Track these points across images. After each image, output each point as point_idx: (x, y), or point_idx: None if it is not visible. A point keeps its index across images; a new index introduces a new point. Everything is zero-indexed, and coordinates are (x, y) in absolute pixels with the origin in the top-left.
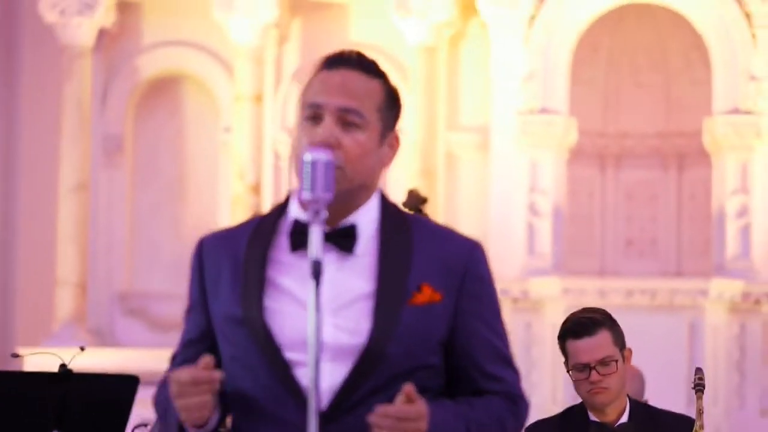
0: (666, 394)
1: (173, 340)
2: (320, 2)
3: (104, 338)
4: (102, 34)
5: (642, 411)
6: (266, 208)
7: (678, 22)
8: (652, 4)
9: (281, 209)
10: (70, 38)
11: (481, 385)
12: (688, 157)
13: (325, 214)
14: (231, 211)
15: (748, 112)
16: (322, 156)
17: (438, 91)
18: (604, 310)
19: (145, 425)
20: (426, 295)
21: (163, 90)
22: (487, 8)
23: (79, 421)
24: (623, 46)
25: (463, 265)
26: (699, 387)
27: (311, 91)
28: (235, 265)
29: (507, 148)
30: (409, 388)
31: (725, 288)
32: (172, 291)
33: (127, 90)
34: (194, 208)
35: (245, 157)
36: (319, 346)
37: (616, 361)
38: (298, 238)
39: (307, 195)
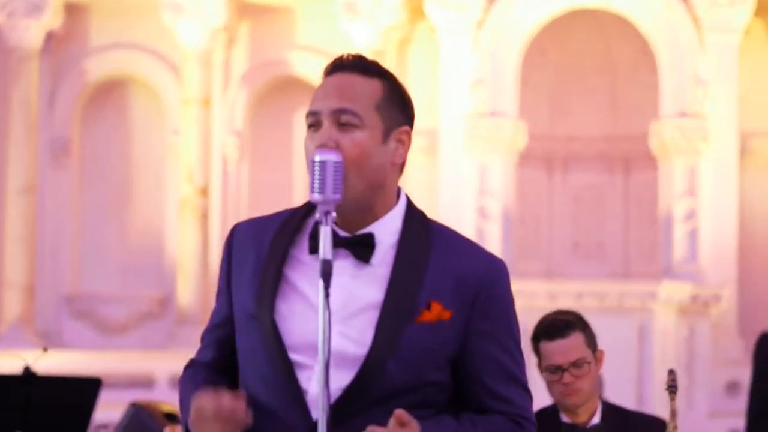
0: (616, 396)
1: (121, 342)
2: (268, 6)
3: (51, 340)
4: (50, 36)
5: (614, 412)
6: (214, 211)
7: (625, 27)
8: (600, 10)
9: (310, 207)
10: (17, 40)
11: (487, 405)
12: (634, 160)
13: (334, 215)
14: (179, 213)
15: (695, 116)
16: (332, 157)
17: None
18: (576, 313)
19: (105, 426)
20: (435, 313)
21: (111, 93)
22: (435, 13)
23: (42, 422)
24: (571, 51)
25: (477, 282)
26: (672, 388)
27: (312, 102)
28: (259, 257)
29: (456, 151)
30: (400, 412)
31: (674, 291)
32: (119, 293)
33: (75, 92)
34: (141, 210)
35: (193, 160)
36: (327, 348)
37: (589, 362)
38: (317, 241)
39: (316, 197)
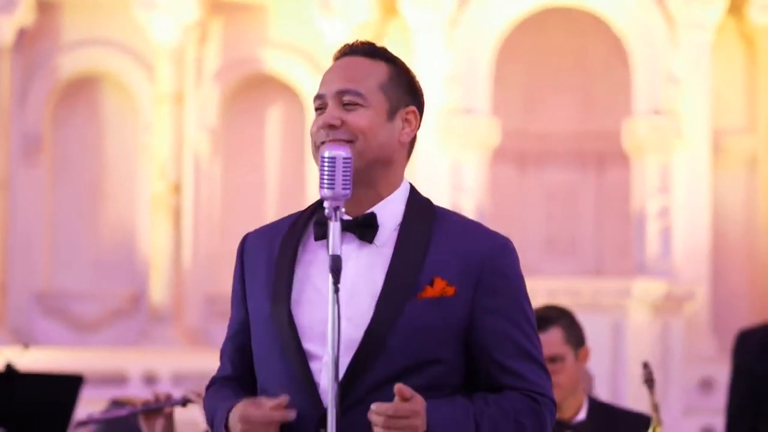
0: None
1: (93, 339)
2: (241, 2)
3: (23, 338)
4: (21, 33)
5: (600, 409)
6: (187, 207)
7: (598, 24)
8: (573, 8)
9: (317, 206)
10: None
11: (501, 381)
12: (607, 157)
13: (343, 210)
14: (151, 210)
15: (668, 113)
16: (341, 152)
17: None
18: (563, 309)
19: (86, 423)
20: (438, 288)
21: (83, 89)
22: (409, 10)
23: (24, 418)
24: (544, 48)
25: (482, 260)
26: (650, 382)
27: (319, 86)
28: (269, 260)
29: (429, 148)
30: (400, 386)
31: (648, 288)
32: (91, 290)
33: (47, 89)
34: (113, 207)
35: (166, 157)
36: (338, 341)
37: (564, 359)
38: (321, 228)
39: (326, 192)
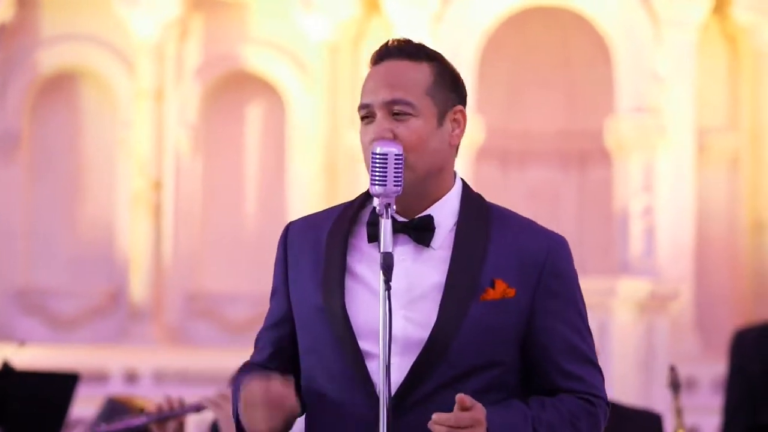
0: None
1: (72, 336)
2: None
3: (3, 335)
4: (0, 28)
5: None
6: (167, 204)
7: (582, 22)
8: (557, 6)
9: (366, 197)
10: None
11: (558, 384)
12: (590, 156)
13: (394, 207)
14: (131, 207)
15: (652, 112)
16: (393, 149)
17: (340, 89)
18: None
19: (80, 422)
20: (499, 290)
21: (62, 85)
22: (392, 7)
23: (19, 416)
24: (527, 46)
25: (541, 261)
26: (675, 385)
27: (362, 93)
28: (317, 252)
29: None
30: (461, 396)
31: (633, 287)
32: (70, 287)
33: (26, 85)
34: (93, 204)
35: (146, 154)
36: (389, 338)
37: None
38: (374, 228)
39: (377, 189)
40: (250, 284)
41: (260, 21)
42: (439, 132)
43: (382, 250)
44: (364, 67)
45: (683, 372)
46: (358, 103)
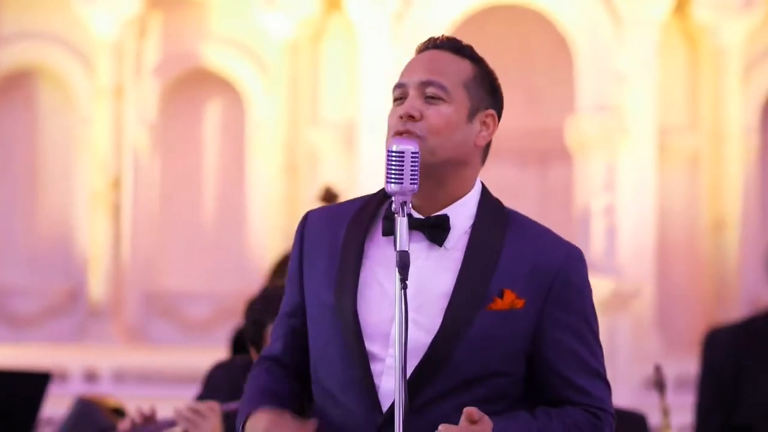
0: None
1: (30, 335)
2: None
3: None
4: None
5: None
6: (126, 203)
7: (542, 20)
8: (518, 5)
9: (385, 194)
10: None
11: (564, 396)
12: (550, 155)
13: (410, 205)
14: (90, 205)
15: (613, 110)
16: (409, 146)
17: (301, 87)
18: None
19: (50, 421)
20: (507, 301)
21: (20, 83)
22: (353, 5)
23: None
24: (488, 45)
25: (553, 271)
26: (660, 385)
27: (400, 76)
28: (333, 247)
29: (375, 145)
30: (470, 410)
31: (595, 286)
32: (28, 286)
33: None
34: (51, 202)
35: (105, 152)
36: (405, 338)
37: None
38: (389, 222)
39: (393, 187)
40: (210, 283)
41: (220, 19)
42: (467, 127)
43: (398, 249)
44: (325, 65)
45: (646, 370)
46: (317, 102)
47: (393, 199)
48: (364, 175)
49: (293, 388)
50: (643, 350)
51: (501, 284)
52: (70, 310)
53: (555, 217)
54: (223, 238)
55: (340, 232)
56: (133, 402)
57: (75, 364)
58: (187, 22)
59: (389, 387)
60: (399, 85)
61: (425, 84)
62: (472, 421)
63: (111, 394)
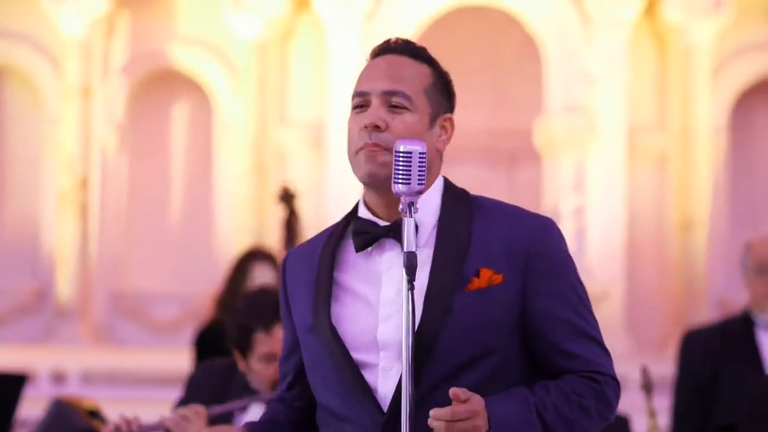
0: None
1: None
2: None
3: None
4: None
5: None
6: (94, 203)
7: (512, 22)
8: (487, 6)
9: (353, 211)
10: None
11: (558, 364)
12: (519, 155)
13: (415, 203)
14: (58, 205)
15: (582, 111)
16: (417, 147)
17: (269, 87)
18: None
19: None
20: (484, 278)
21: None
22: (322, 5)
23: None
24: (457, 45)
25: (525, 244)
26: (648, 387)
27: (358, 82)
28: (310, 274)
29: (343, 145)
30: (455, 390)
31: None
32: None
33: None
34: (18, 202)
35: (73, 152)
36: (412, 340)
37: None
38: (361, 238)
39: (400, 188)
40: (177, 284)
41: (188, 19)
42: (429, 133)
43: (405, 250)
44: (293, 66)
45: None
46: (286, 102)
47: (401, 199)
48: (332, 174)
49: (292, 419)
50: (612, 351)
51: (476, 265)
52: (38, 310)
53: None
54: (190, 239)
55: (315, 260)
56: (103, 404)
57: (42, 365)
58: (155, 22)
59: (386, 389)
60: (360, 93)
61: (389, 93)
62: (461, 401)
63: (79, 395)
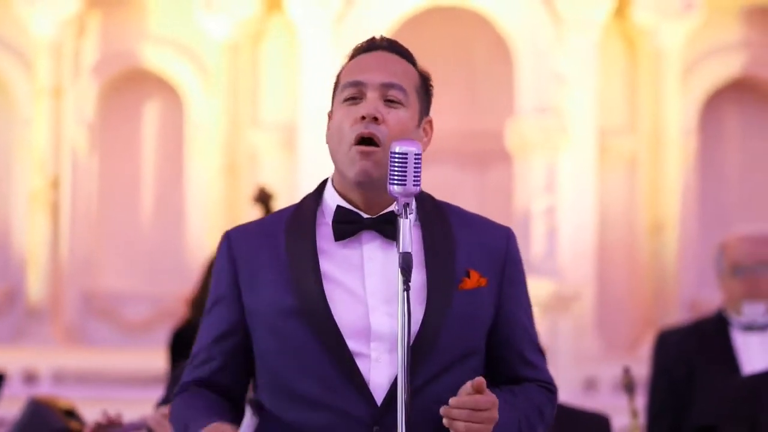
0: None
1: None
2: None
3: None
4: None
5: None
6: (65, 203)
7: (482, 21)
8: (458, 7)
9: (316, 197)
10: None
11: (519, 372)
12: (490, 156)
13: (413, 207)
14: (29, 206)
15: (554, 112)
16: (412, 148)
17: (241, 88)
18: None
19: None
20: (474, 280)
21: None
22: (294, 6)
23: None
24: (428, 46)
25: (503, 251)
26: (630, 387)
27: (349, 73)
28: (278, 258)
29: (315, 146)
30: (480, 379)
31: (535, 288)
32: None
33: None
34: None
35: (44, 152)
36: (407, 340)
37: None
38: (342, 227)
39: (396, 189)
40: (148, 284)
41: (159, 19)
42: (416, 132)
43: (401, 250)
44: (265, 67)
45: (585, 372)
46: (257, 102)
47: (398, 200)
48: (304, 176)
49: (229, 408)
50: (582, 352)
51: (464, 265)
52: (8, 310)
53: (495, 218)
54: (161, 239)
55: (279, 242)
56: (75, 404)
57: (14, 366)
58: (126, 22)
59: (379, 380)
60: (354, 83)
61: (387, 86)
62: (480, 391)
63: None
